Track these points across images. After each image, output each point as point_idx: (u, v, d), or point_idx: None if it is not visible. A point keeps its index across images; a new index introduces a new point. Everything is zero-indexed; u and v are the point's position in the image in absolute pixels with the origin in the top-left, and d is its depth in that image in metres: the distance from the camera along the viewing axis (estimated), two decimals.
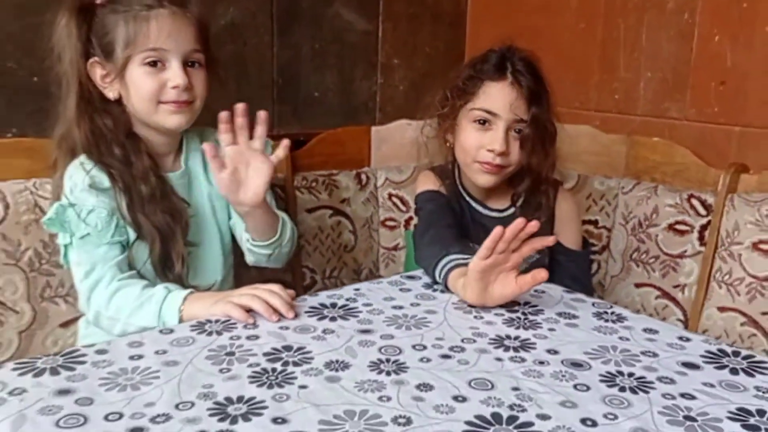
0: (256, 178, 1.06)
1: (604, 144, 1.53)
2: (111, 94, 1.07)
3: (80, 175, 1.04)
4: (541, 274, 0.91)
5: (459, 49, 1.86)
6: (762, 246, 1.26)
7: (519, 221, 0.91)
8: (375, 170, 1.57)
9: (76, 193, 1.03)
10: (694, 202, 1.38)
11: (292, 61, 1.61)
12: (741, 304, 1.28)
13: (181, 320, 0.95)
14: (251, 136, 1.07)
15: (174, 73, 1.04)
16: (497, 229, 0.90)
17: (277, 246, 1.15)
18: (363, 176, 1.55)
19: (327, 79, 1.68)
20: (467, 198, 1.28)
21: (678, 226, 1.40)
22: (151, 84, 1.04)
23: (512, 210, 1.27)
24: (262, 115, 1.08)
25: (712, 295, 1.33)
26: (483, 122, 1.18)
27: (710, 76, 1.45)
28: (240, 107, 1.05)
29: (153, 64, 1.04)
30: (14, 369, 0.73)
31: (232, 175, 1.04)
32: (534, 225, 0.91)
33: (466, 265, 0.95)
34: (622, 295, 1.47)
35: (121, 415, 0.65)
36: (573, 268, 1.28)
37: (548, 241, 0.95)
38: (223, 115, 1.04)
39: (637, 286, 1.44)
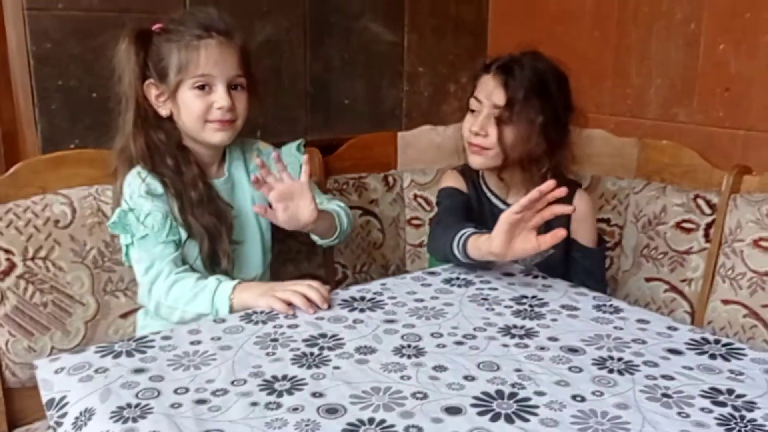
0: (303, 204, 1.18)
1: (616, 146, 1.62)
2: (164, 111, 1.21)
3: (137, 183, 1.17)
4: (561, 232, 1.02)
5: (481, 56, 1.95)
6: (762, 243, 1.34)
7: (550, 182, 1.02)
8: (401, 173, 1.68)
9: (135, 198, 1.16)
10: (700, 201, 1.47)
11: (323, 72, 1.73)
12: (743, 297, 1.35)
13: (231, 308, 1.08)
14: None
15: (219, 96, 1.17)
16: (535, 191, 1.02)
17: (341, 236, 1.31)
18: (390, 178, 1.66)
19: (356, 87, 1.79)
20: (488, 194, 1.39)
21: (685, 224, 1.48)
22: (199, 105, 1.17)
23: None
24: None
25: (716, 289, 1.41)
26: (473, 111, 1.32)
27: (716, 82, 1.53)
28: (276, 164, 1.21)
29: (201, 87, 1.17)
30: (96, 351, 0.87)
31: (285, 213, 1.18)
32: (562, 191, 1.02)
33: (482, 233, 1.07)
34: (634, 289, 1.55)
35: (187, 389, 0.78)
36: (588, 264, 1.37)
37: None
38: (259, 161, 1.19)
39: (647, 280, 1.53)
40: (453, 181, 1.40)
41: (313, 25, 1.68)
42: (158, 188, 1.17)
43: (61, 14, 1.34)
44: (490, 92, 1.29)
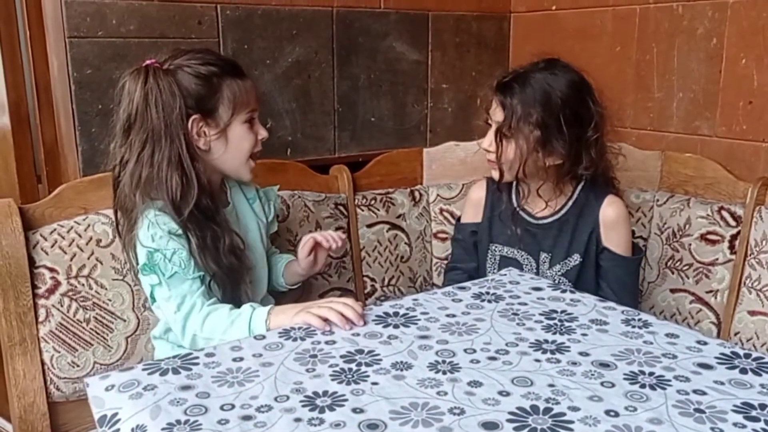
0: (323, 257, 1.33)
1: (639, 159, 1.63)
2: (204, 147, 1.18)
3: (161, 222, 1.14)
4: None
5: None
6: None
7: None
8: (427, 188, 1.71)
9: (157, 239, 1.14)
10: (725, 213, 1.48)
11: (350, 91, 1.77)
12: None
13: (267, 327, 1.10)
14: None
15: (262, 129, 1.23)
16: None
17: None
18: (416, 193, 1.70)
19: (382, 105, 1.83)
20: (515, 202, 1.42)
21: (709, 236, 1.50)
22: (250, 139, 1.20)
23: (554, 218, 1.40)
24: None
25: (742, 300, 1.42)
26: (490, 126, 1.37)
27: (738, 95, 1.55)
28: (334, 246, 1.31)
29: (250, 122, 1.20)
30: (144, 369, 0.91)
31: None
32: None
33: None
34: (659, 300, 1.57)
35: (233, 406, 0.81)
36: (620, 273, 1.38)
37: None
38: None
39: (673, 291, 1.54)
40: (472, 200, 1.47)
41: (341, 46, 1.73)
42: (178, 230, 1.15)
43: (101, 41, 1.40)
44: (494, 110, 1.35)
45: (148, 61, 1.15)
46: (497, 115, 1.33)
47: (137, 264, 1.18)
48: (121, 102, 1.15)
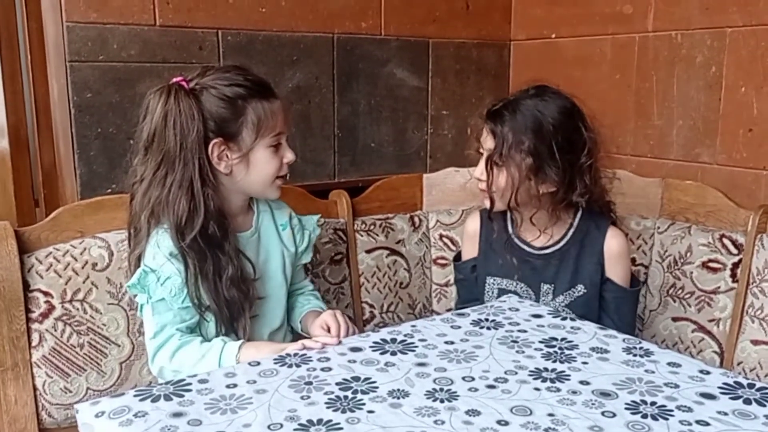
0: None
1: (640, 186, 1.63)
2: (225, 170, 1.15)
3: (163, 243, 1.13)
4: None
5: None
6: None
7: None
8: (427, 213, 1.70)
9: (158, 259, 1.12)
10: (726, 241, 1.47)
11: (350, 116, 1.78)
12: None
13: (238, 362, 1.08)
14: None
15: (289, 152, 1.19)
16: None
17: None
18: (416, 219, 1.69)
19: (382, 131, 1.84)
20: (510, 231, 1.40)
21: (711, 264, 1.48)
22: (275, 163, 1.17)
23: (555, 248, 1.38)
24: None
25: (745, 329, 1.41)
26: (482, 155, 1.35)
27: (738, 123, 1.55)
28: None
29: (275, 146, 1.18)
30: (135, 395, 0.89)
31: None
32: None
33: None
34: (660, 329, 1.55)
35: None
36: (621, 304, 1.37)
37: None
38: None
39: (674, 320, 1.53)
40: (468, 234, 1.46)
41: (341, 72, 1.74)
42: (178, 254, 1.13)
43: (102, 65, 1.40)
44: (484, 138, 1.33)
45: (175, 79, 1.13)
46: (488, 143, 1.32)
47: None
48: (144, 119, 1.14)
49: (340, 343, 1.06)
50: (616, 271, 1.36)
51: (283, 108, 1.18)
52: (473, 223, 1.45)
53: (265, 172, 1.17)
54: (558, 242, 1.37)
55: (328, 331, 1.15)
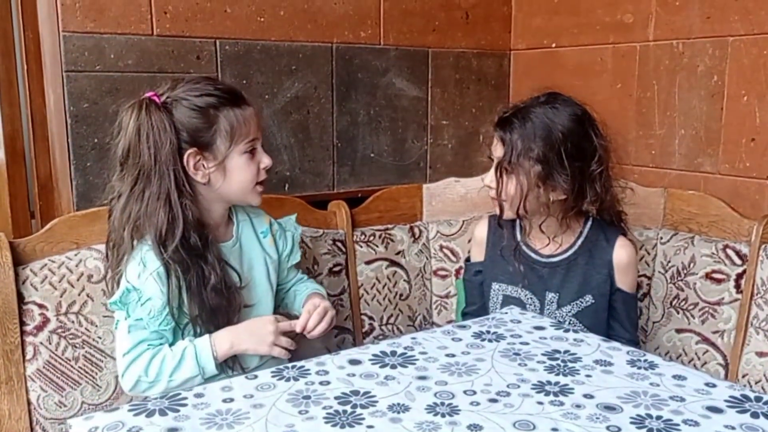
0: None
1: (642, 196, 1.61)
2: (202, 180, 1.16)
3: (148, 261, 1.12)
4: None
5: None
6: None
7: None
8: (427, 224, 1.69)
9: (142, 278, 1.12)
10: (729, 251, 1.45)
11: (349, 126, 1.77)
12: None
13: (215, 358, 1.13)
14: None
15: (265, 157, 1.20)
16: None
17: None
18: (416, 230, 1.68)
19: (382, 141, 1.83)
20: (519, 238, 1.39)
21: (715, 275, 1.47)
22: (252, 169, 1.18)
23: (562, 256, 1.37)
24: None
25: (750, 341, 1.39)
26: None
27: (740, 133, 1.54)
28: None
29: (251, 152, 1.18)
30: (130, 410, 0.87)
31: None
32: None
33: None
34: (664, 340, 1.54)
35: None
36: (629, 310, 1.37)
37: None
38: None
39: (678, 331, 1.51)
40: (475, 239, 1.45)
41: (340, 82, 1.73)
42: (164, 273, 1.13)
43: (99, 75, 1.39)
44: (494, 145, 1.34)
45: (147, 94, 1.14)
46: (498, 150, 1.33)
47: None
48: (118, 135, 1.15)
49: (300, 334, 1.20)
50: (626, 281, 1.35)
51: (255, 114, 1.20)
52: (481, 229, 1.44)
53: (242, 178, 1.18)
54: (566, 251, 1.36)
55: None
